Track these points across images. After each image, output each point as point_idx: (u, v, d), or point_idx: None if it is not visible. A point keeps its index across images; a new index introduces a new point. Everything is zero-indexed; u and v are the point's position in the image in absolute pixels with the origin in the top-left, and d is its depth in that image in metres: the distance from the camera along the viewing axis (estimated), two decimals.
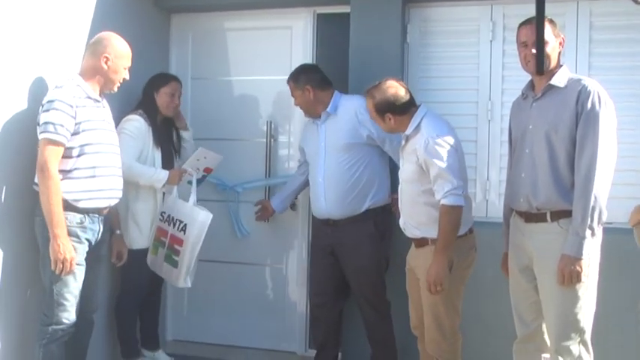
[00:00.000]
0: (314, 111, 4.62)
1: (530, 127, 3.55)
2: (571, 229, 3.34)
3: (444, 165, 3.70)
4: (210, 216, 4.56)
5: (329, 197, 4.53)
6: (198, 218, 4.54)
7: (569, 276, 3.32)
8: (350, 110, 4.51)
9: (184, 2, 5.33)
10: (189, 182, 4.72)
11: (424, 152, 3.75)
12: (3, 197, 3.74)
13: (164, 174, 4.60)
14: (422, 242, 3.93)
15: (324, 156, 4.55)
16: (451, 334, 3.94)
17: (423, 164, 3.78)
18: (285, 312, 5.36)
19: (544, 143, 3.47)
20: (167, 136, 4.85)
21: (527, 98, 3.66)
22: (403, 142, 3.96)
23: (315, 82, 4.59)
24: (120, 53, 3.90)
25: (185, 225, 4.55)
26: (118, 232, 4.40)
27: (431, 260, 3.77)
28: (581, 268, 3.32)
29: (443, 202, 3.70)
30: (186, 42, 5.55)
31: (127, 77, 3.97)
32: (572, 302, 3.40)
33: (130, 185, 4.47)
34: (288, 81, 4.66)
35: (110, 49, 3.88)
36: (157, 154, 4.68)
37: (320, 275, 4.73)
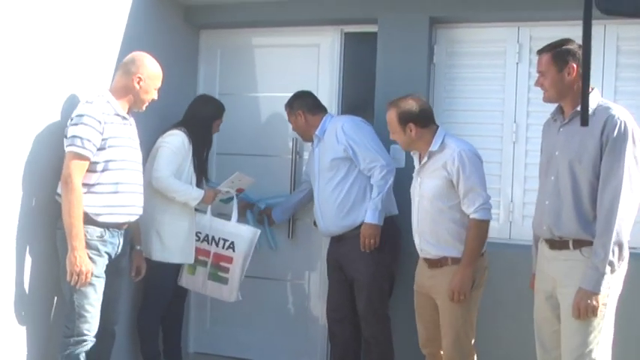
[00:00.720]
0: (307, 135, 4.79)
1: (557, 153, 3.44)
2: (591, 263, 3.23)
3: (477, 179, 3.80)
4: (258, 232, 4.81)
5: (325, 215, 4.67)
6: (247, 235, 4.77)
7: (585, 310, 3.22)
8: (332, 129, 4.62)
9: (213, 19, 5.36)
10: (221, 201, 4.87)
11: (458, 165, 3.80)
12: (31, 208, 3.77)
13: (199, 193, 4.64)
14: (440, 262, 3.93)
15: (317, 177, 4.69)
16: (469, 354, 3.95)
17: (455, 178, 3.82)
18: (307, 327, 5.37)
19: (568, 173, 3.36)
20: (204, 161, 4.96)
21: (555, 122, 3.54)
22: (425, 159, 3.95)
23: (306, 107, 4.76)
24: (152, 74, 3.94)
25: (232, 243, 4.75)
26: (138, 247, 4.41)
27: (451, 279, 3.81)
28: (597, 302, 3.22)
29: (474, 215, 3.78)
30: (214, 58, 5.59)
31: (156, 97, 4.02)
32: (588, 332, 3.29)
33: (160, 198, 4.53)
34: (285, 107, 4.84)
35: (143, 70, 3.92)
36: (194, 176, 4.72)
37: (334, 290, 4.78)
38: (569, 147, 3.36)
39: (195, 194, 4.62)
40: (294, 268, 5.44)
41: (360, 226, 4.50)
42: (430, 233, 3.94)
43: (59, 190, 3.72)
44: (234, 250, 4.75)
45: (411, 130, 3.94)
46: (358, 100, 5.09)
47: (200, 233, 4.79)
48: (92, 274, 3.66)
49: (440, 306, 3.94)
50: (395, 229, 4.59)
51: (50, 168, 3.81)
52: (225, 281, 4.77)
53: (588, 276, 3.22)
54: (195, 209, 4.72)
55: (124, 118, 3.90)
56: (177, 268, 4.80)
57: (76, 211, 3.58)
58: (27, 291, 3.79)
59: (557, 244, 3.42)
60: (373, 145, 4.52)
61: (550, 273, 3.46)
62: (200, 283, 4.84)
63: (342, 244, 4.61)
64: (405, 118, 3.94)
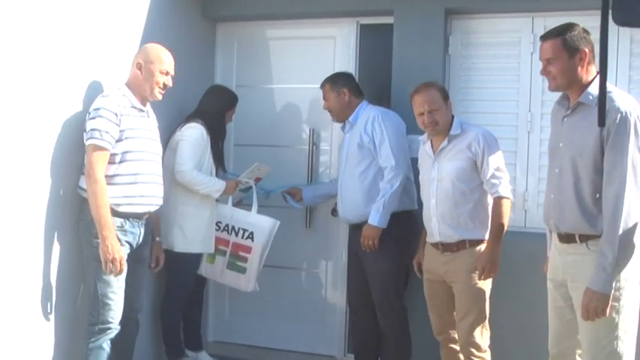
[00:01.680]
0: (344, 115, 4.70)
1: (561, 145, 3.32)
2: (598, 264, 3.08)
3: (501, 159, 3.90)
4: (278, 222, 4.79)
5: (345, 202, 4.66)
6: (266, 225, 4.77)
7: (594, 311, 3.07)
8: (365, 117, 4.59)
9: (230, 12, 5.39)
10: (241, 190, 4.89)
11: (484, 145, 3.87)
12: (57, 201, 3.80)
13: (222, 184, 4.68)
14: (458, 246, 3.97)
15: (344, 163, 4.68)
16: (486, 336, 4.00)
17: (480, 158, 3.88)
18: (325, 316, 5.39)
19: (570, 167, 3.23)
20: (220, 151, 4.99)
21: (561, 110, 3.39)
22: (444, 143, 3.99)
23: (351, 87, 4.68)
24: (152, 58, 3.92)
25: (252, 233, 4.77)
26: (158, 239, 4.44)
27: (470, 263, 3.89)
28: (606, 303, 3.06)
29: (502, 193, 3.86)
30: (231, 50, 5.61)
31: (169, 83, 3.97)
32: (606, 328, 3.15)
33: (182, 189, 4.59)
34: (324, 84, 4.73)
35: (142, 56, 3.92)
36: (213, 167, 4.77)
37: (353, 279, 4.80)
38: (572, 141, 3.25)
39: (218, 186, 4.65)
40: (312, 258, 5.45)
41: None
42: (451, 216, 3.96)
43: (81, 184, 3.78)
44: (253, 240, 4.77)
45: (449, 106, 4.02)
46: (374, 91, 5.06)
47: (220, 223, 4.83)
48: (125, 260, 3.70)
49: (457, 289, 3.98)
50: (414, 223, 4.57)
51: (73, 161, 3.86)
52: (243, 270, 4.80)
53: (596, 277, 3.08)
54: (216, 199, 4.76)
55: (141, 110, 3.92)
56: (198, 258, 4.83)
57: (101, 200, 3.62)
58: (54, 282, 3.82)
59: (564, 237, 3.34)
60: (395, 146, 4.47)
61: (561, 265, 3.38)
62: (219, 272, 4.87)
63: (359, 233, 4.55)
64: (445, 95, 4.02)
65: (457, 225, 3.96)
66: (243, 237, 4.80)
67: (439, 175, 4.01)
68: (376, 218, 4.39)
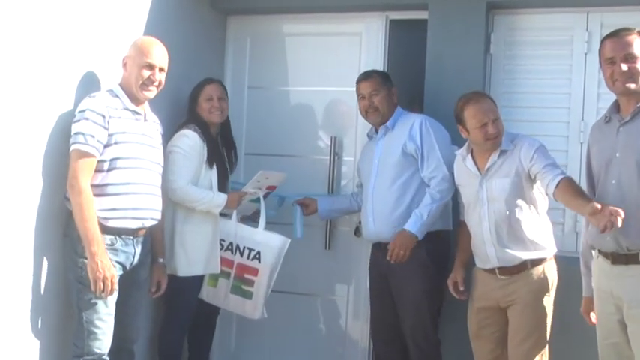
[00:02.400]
0: (386, 117, 4.48)
1: (617, 155, 3.25)
2: None
3: (550, 155, 3.82)
4: (288, 240, 4.50)
5: (377, 216, 4.43)
6: (275, 244, 4.48)
7: None
8: (408, 123, 4.43)
9: (243, 3, 5.24)
10: (251, 201, 4.64)
11: (534, 154, 3.77)
12: (44, 214, 3.65)
13: (222, 198, 4.39)
14: (519, 268, 3.86)
15: (375, 173, 4.47)
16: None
17: (530, 167, 3.78)
18: (345, 349, 5.16)
19: (635, 174, 3.17)
20: (221, 152, 4.68)
21: (611, 122, 3.36)
22: (494, 159, 3.90)
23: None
24: (133, 51, 3.78)
25: (259, 253, 4.48)
26: (161, 260, 4.20)
27: (533, 282, 3.82)
28: None
29: (560, 177, 3.64)
30: (243, 47, 5.40)
31: (155, 78, 3.78)
32: None
33: (179, 206, 4.39)
34: (374, 75, 4.53)
35: (129, 51, 3.80)
36: (213, 175, 4.47)
37: (377, 306, 4.57)
38: (634, 146, 3.21)
39: (218, 201, 4.39)
40: (331, 283, 5.21)
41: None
42: (509, 239, 3.86)
43: (67, 195, 3.62)
44: (259, 261, 4.48)
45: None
46: (405, 95, 4.82)
47: (224, 241, 4.54)
48: (117, 279, 3.57)
49: (516, 310, 3.88)
50: (448, 245, 4.41)
51: (63, 169, 3.65)
52: (249, 295, 4.51)
53: None
54: (220, 214, 4.50)
55: (136, 112, 3.78)
56: (201, 280, 4.59)
57: (87, 214, 3.48)
58: (39, 305, 3.66)
59: (622, 257, 3.22)
60: (445, 155, 4.29)
61: (614, 292, 3.27)
62: (222, 296, 4.59)
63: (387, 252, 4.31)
64: (495, 104, 3.98)
65: (518, 247, 3.84)
66: (249, 257, 4.50)
67: (489, 196, 3.90)
68: (417, 225, 4.18)
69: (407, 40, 5.09)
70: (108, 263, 3.50)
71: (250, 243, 4.50)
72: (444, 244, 4.39)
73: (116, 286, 3.55)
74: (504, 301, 3.92)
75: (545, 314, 3.86)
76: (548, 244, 3.93)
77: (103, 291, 3.49)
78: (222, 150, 4.66)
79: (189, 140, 4.36)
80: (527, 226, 3.83)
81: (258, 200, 4.64)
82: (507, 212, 3.83)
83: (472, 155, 4.00)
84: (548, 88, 4.68)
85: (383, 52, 5.03)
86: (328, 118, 5.20)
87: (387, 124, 4.46)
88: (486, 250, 3.90)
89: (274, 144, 5.26)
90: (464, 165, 4.03)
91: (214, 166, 4.46)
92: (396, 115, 4.48)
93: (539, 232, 3.89)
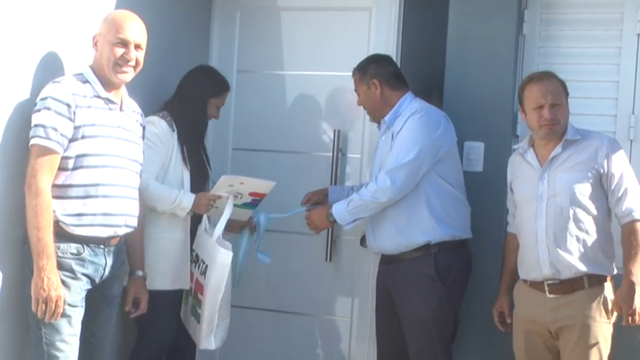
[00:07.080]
0: (378, 113, 4.27)
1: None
2: None
3: (633, 173, 3.68)
4: (230, 254, 4.03)
5: (376, 226, 4.21)
6: (218, 259, 4.00)
7: None
8: (406, 116, 4.18)
9: None
10: (236, 206, 4.21)
11: (611, 154, 3.64)
12: (3, 216, 3.44)
13: (189, 200, 4.05)
14: (573, 285, 3.63)
15: (376, 174, 4.23)
16: None
17: (606, 170, 3.64)
18: None
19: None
20: (200, 150, 4.44)
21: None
22: (559, 150, 3.70)
23: (384, 77, 4.22)
24: (105, 27, 3.51)
25: (207, 267, 4.05)
26: (140, 273, 3.90)
27: (591, 305, 3.58)
28: None
29: (632, 219, 3.58)
30: (232, 24, 5.07)
31: (130, 57, 3.53)
32: None
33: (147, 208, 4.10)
34: (354, 72, 4.32)
35: (100, 28, 3.54)
36: (186, 172, 4.18)
37: (383, 327, 4.34)
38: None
39: (183, 202, 4.04)
40: (333, 300, 4.91)
41: (422, 246, 4.00)
42: (569, 241, 3.65)
43: None
44: (204, 277, 4.04)
45: (567, 108, 3.80)
46: (420, 81, 4.58)
47: (194, 251, 4.21)
48: (65, 302, 3.31)
49: (571, 340, 3.64)
50: (468, 255, 4.13)
51: (24, 167, 3.42)
52: (199, 319, 4.08)
53: None
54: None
55: (110, 101, 3.52)
56: (175, 296, 4.24)
57: (43, 220, 3.24)
58: None
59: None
60: (411, 145, 3.97)
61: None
62: (187, 318, 4.24)
63: (395, 267, 4.08)
64: (567, 91, 3.75)
65: (577, 253, 3.62)
66: (201, 271, 4.07)
67: (551, 191, 3.68)
68: (342, 210, 4.03)
69: (425, 17, 4.82)
70: (56, 282, 3.26)
71: (204, 254, 4.13)
72: (459, 256, 4.11)
73: (62, 309, 3.29)
74: (556, 325, 3.67)
75: (605, 344, 3.62)
76: (611, 260, 3.68)
77: (45, 313, 3.24)
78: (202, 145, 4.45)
79: (155, 128, 4.08)
80: (591, 231, 3.62)
81: (244, 206, 4.26)
82: (570, 211, 3.63)
83: (534, 148, 3.81)
84: (592, 76, 4.38)
85: (396, 30, 4.70)
86: (331, 108, 4.89)
87: (386, 118, 4.22)
88: (538, 254, 3.68)
89: (267, 138, 4.98)
90: (523, 160, 3.84)
91: (189, 164, 4.21)
92: (399, 105, 4.20)
93: (604, 242, 3.65)
